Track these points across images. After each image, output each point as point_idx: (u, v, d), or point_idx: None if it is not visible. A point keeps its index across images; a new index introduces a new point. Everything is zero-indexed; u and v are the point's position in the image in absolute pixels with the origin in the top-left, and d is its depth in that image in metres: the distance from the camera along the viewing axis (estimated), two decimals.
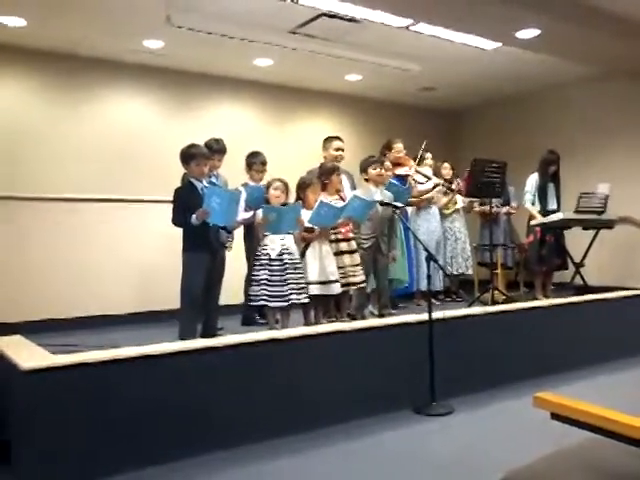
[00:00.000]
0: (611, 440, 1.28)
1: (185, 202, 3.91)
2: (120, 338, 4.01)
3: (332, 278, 4.13)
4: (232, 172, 5.11)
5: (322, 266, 4.10)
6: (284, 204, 4.15)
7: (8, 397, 2.77)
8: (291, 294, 3.89)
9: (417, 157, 6.03)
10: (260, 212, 4.03)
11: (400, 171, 5.90)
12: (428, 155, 6.29)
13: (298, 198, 4.25)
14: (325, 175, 4.46)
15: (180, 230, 4.00)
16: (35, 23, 5.48)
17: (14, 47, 5.96)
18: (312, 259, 4.11)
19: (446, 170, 6.48)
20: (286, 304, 3.90)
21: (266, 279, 3.87)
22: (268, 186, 4.16)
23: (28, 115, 6.16)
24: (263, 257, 3.92)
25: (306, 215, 4.04)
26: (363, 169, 4.92)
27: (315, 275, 4.07)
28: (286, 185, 4.16)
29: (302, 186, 4.24)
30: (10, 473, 2.61)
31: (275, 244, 3.94)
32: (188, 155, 4.04)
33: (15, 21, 5.42)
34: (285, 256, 3.94)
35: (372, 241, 4.78)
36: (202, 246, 3.95)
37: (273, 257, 3.91)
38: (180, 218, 3.90)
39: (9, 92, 6.11)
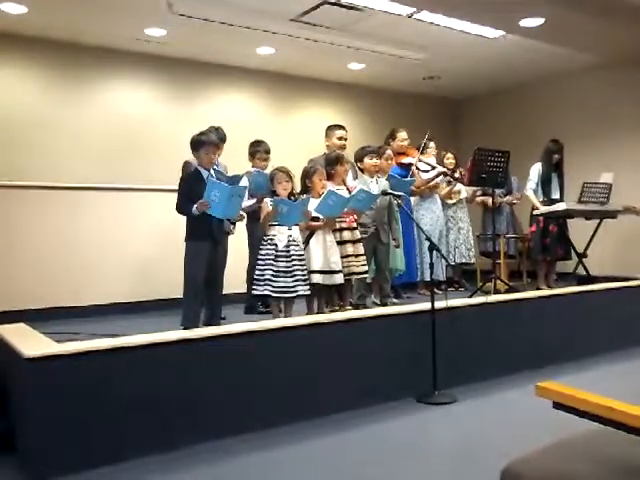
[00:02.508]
0: (614, 429, 1.28)
1: (190, 190, 3.90)
2: (122, 327, 4.02)
3: (335, 268, 4.13)
4: (234, 160, 5.10)
5: (326, 256, 4.10)
6: (290, 193, 4.13)
7: (11, 385, 2.78)
8: (297, 285, 3.90)
9: (420, 146, 6.01)
10: (267, 201, 4.01)
11: (404, 160, 5.89)
12: (432, 145, 6.26)
13: (304, 186, 4.24)
14: (331, 164, 4.44)
15: (182, 218, 4.00)
16: (36, 10, 5.45)
17: (15, 35, 5.94)
18: (316, 248, 4.10)
19: (449, 160, 6.45)
20: (293, 295, 3.91)
21: (272, 270, 3.86)
22: (272, 177, 4.13)
23: (28, 104, 6.15)
24: (270, 247, 3.91)
25: (313, 203, 4.03)
26: (358, 159, 4.90)
27: (319, 264, 4.07)
28: (289, 174, 4.14)
29: (307, 174, 4.23)
30: (14, 461, 2.63)
31: (282, 235, 3.93)
32: (198, 142, 4.03)
33: (16, 8, 5.39)
34: (292, 247, 3.93)
35: (372, 230, 4.78)
36: (204, 235, 3.94)
37: (280, 248, 3.90)
38: (184, 206, 3.90)
39: (9, 80, 6.09)
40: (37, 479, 2.45)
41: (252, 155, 5.12)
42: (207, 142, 4.02)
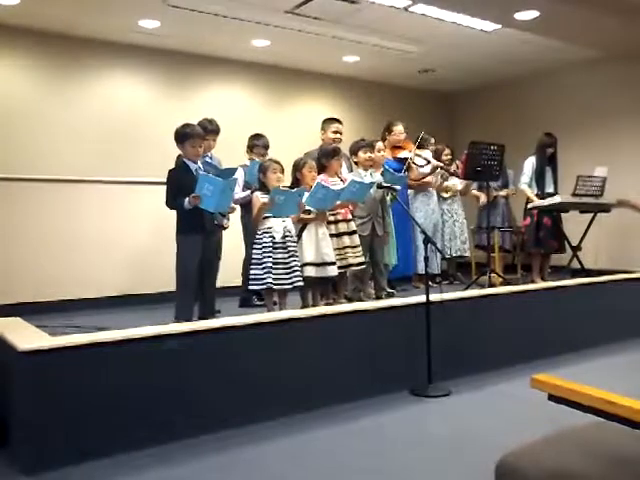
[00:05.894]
0: (608, 422, 1.29)
1: (179, 184, 3.87)
2: (117, 320, 4.01)
3: (328, 260, 4.12)
4: (227, 153, 5.08)
5: (318, 248, 4.09)
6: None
7: (5, 378, 2.77)
8: (295, 276, 3.91)
9: (417, 141, 6.00)
10: (258, 195, 3.99)
11: (400, 154, 5.88)
12: (432, 140, 6.26)
13: (294, 179, 4.23)
14: (325, 158, 4.44)
15: (175, 212, 3.98)
16: (29, 1, 5.39)
17: (6, 26, 5.88)
18: (308, 241, 4.10)
19: (447, 157, 6.46)
20: (291, 286, 3.91)
21: (271, 262, 3.85)
22: (265, 168, 4.10)
23: (21, 96, 6.10)
24: (266, 240, 3.90)
25: (304, 196, 4.02)
26: (353, 152, 4.90)
27: (311, 257, 4.07)
28: (281, 165, 4.14)
29: (297, 167, 4.22)
30: (6, 454, 2.62)
31: (278, 227, 3.93)
32: (183, 135, 3.98)
33: None
34: (288, 239, 3.93)
35: (368, 224, 4.78)
36: (196, 229, 3.91)
37: (277, 240, 3.89)
38: (174, 201, 3.86)
39: (1, 72, 6.04)
40: (29, 472, 2.44)
41: (250, 148, 5.11)
42: (192, 134, 3.97)
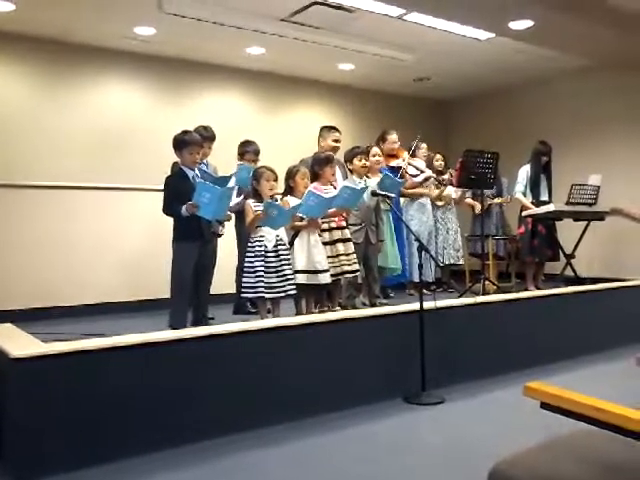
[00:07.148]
0: (600, 429, 1.29)
1: (176, 191, 3.88)
2: (110, 327, 4.00)
3: (319, 268, 4.11)
4: (223, 160, 5.08)
5: (310, 256, 4.09)
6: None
7: None
8: (286, 285, 3.90)
9: (411, 148, 6.01)
10: (251, 204, 3.99)
11: (393, 163, 5.89)
12: (423, 146, 6.28)
13: (287, 187, 4.22)
14: (318, 165, 4.43)
15: (171, 219, 3.98)
16: (24, 8, 5.39)
17: (1, 32, 5.88)
18: (300, 249, 4.10)
19: (438, 162, 6.48)
20: (283, 295, 3.90)
21: (262, 270, 3.85)
22: (258, 175, 4.10)
23: (16, 102, 6.09)
24: (258, 248, 3.89)
25: (295, 203, 4.02)
26: (348, 159, 4.90)
27: (303, 264, 4.06)
28: (276, 174, 4.14)
29: (290, 175, 4.22)
30: (0, 462, 2.61)
31: (271, 235, 3.92)
32: (181, 142, 3.99)
33: (3, 5, 5.33)
34: (280, 247, 3.93)
35: (361, 231, 4.78)
36: (192, 236, 3.92)
37: (270, 248, 3.89)
38: (171, 207, 3.87)
39: None
40: None
41: (241, 155, 5.10)
42: (191, 141, 3.99)
